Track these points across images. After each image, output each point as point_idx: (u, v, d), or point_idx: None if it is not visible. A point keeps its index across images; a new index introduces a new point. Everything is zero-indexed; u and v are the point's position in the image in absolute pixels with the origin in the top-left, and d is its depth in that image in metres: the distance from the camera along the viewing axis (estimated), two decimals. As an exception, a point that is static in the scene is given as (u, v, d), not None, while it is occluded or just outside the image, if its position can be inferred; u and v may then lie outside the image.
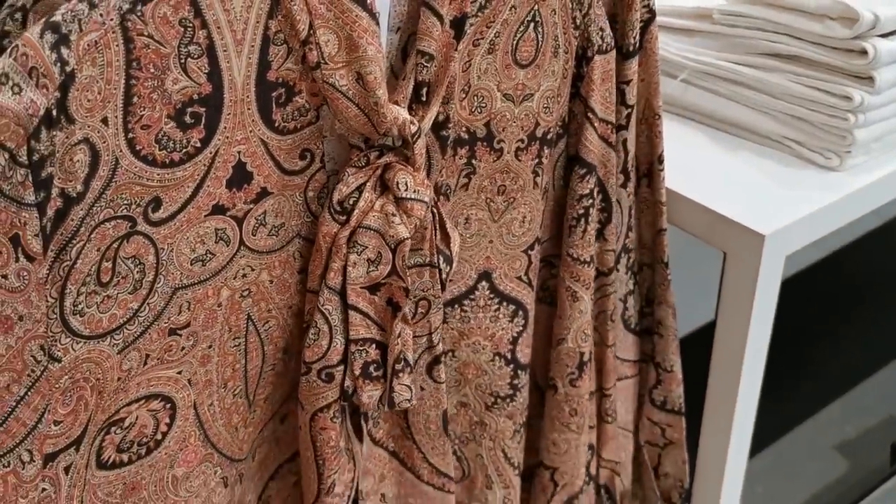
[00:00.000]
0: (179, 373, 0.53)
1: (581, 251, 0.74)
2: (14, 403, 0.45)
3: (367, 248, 0.56)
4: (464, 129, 0.63)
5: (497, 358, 0.74)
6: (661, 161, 0.77)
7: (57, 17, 0.40)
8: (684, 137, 0.96)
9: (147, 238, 0.48)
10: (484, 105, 0.64)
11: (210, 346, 0.54)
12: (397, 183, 0.55)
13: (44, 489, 0.48)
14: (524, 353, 0.75)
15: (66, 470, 0.50)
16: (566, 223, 0.74)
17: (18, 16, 0.47)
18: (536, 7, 0.63)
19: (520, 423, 0.76)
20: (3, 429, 0.45)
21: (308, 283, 0.57)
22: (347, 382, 0.57)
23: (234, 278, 0.54)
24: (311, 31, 0.49)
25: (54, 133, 0.41)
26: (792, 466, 1.40)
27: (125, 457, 0.53)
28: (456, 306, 0.71)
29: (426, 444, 0.69)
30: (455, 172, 0.65)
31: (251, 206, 0.53)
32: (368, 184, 0.56)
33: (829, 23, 0.84)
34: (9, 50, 0.39)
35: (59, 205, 0.43)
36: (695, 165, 0.90)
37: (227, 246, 0.53)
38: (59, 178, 0.43)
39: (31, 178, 0.41)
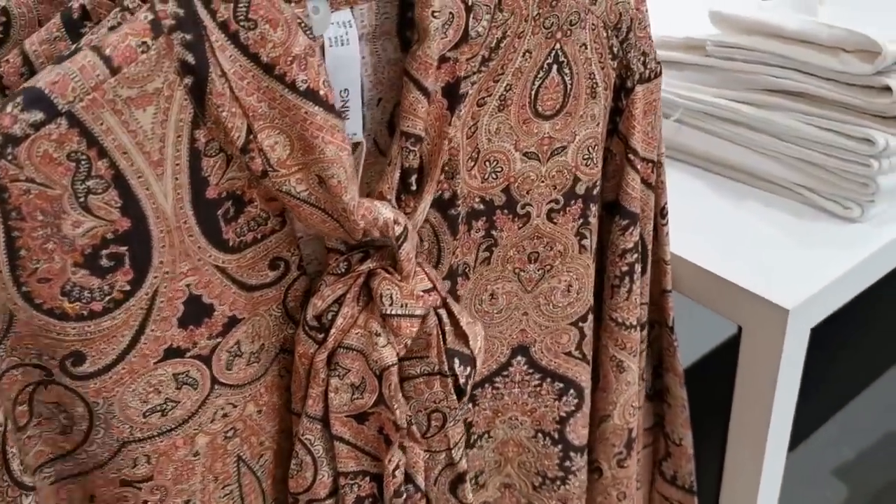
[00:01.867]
0: (146, 531, 0.44)
1: (627, 314, 0.60)
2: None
3: (349, 371, 0.45)
4: (477, 199, 0.51)
5: (540, 435, 0.62)
6: (664, 214, 0.62)
7: None
8: (681, 184, 0.79)
9: (71, 391, 0.39)
10: (500, 170, 0.51)
11: (188, 501, 0.45)
12: (381, 296, 0.44)
13: None
14: (578, 434, 0.62)
15: None
16: (607, 282, 0.60)
17: None
18: (558, 46, 0.49)
19: (577, 506, 0.65)
20: None
21: (292, 404, 0.47)
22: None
23: (213, 421, 0.44)
24: (251, 137, 0.38)
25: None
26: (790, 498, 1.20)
27: None
28: (486, 386, 0.59)
29: None
30: (473, 248, 0.53)
31: (218, 340, 0.43)
32: (349, 295, 0.45)
33: (846, 56, 0.67)
34: None
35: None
36: (695, 218, 0.74)
37: (195, 390, 0.43)
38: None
39: None
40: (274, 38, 0.37)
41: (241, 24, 0.36)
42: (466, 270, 0.53)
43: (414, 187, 0.45)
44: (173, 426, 0.43)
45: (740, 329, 0.66)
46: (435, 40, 0.42)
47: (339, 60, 0.42)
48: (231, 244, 0.41)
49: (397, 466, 0.46)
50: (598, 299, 0.63)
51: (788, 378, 0.66)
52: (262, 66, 0.37)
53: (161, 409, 0.42)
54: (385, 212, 0.43)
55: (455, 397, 0.49)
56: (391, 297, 0.44)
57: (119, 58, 0.34)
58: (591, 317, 0.60)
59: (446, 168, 0.48)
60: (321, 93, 0.39)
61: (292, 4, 0.37)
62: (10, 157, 0.33)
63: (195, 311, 0.41)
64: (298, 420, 0.46)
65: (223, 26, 0.36)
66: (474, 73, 0.47)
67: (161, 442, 0.42)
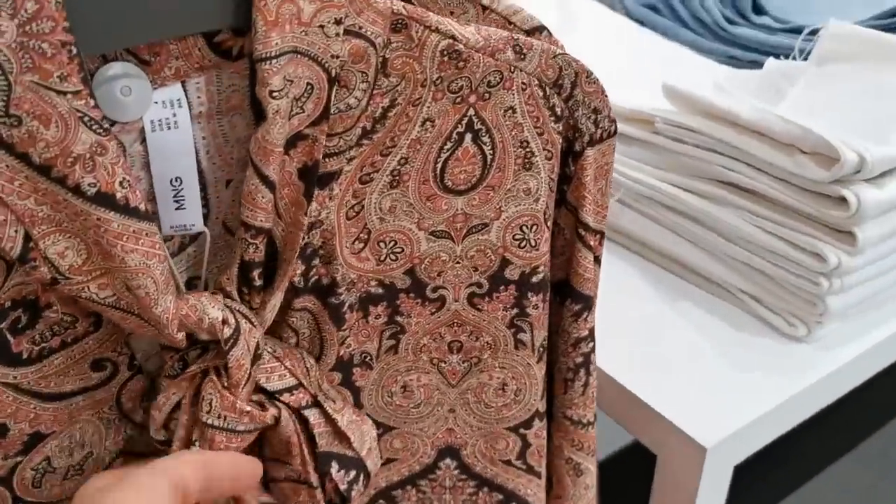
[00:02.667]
0: None
1: (583, 411, 0.54)
2: None
3: None
4: (374, 282, 0.45)
5: (477, 541, 0.56)
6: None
7: None
8: (614, 271, 0.72)
9: None
10: (399, 251, 0.45)
11: None
12: (203, 400, 0.39)
13: None
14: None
15: None
16: (558, 375, 0.54)
17: None
18: (472, 112, 0.42)
19: None
20: None
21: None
22: None
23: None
24: (31, 244, 0.33)
25: None
26: None
27: None
28: (409, 487, 0.54)
29: None
30: (373, 336, 0.47)
31: (18, 459, 0.38)
32: (185, 400, 0.40)
33: (801, 158, 0.58)
34: None
35: None
36: (623, 318, 0.67)
37: (-8, 507, 0.39)
38: None
39: None
40: (46, 136, 0.31)
41: (2, 120, 0.30)
42: (367, 360, 0.47)
43: (258, 282, 0.39)
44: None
45: (655, 458, 0.59)
46: (276, 124, 0.35)
47: (167, 146, 0.36)
48: (27, 355, 0.36)
49: None
50: (549, 393, 0.56)
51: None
52: (34, 168, 0.32)
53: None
54: (213, 311, 0.38)
55: (329, 507, 0.44)
56: (210, 405, 0.39)
57: None
58: (538, 423, 0.53)
59: (321, 253, 0.42)
60: (117, 196, 0.33)
61: (69, 97, 0.31)
62: None
63: (-18, 431, 0.37)
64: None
65: (-23, 119, 0.30)
66: (351, 148, 0.40)
67: (-47, 566, 0.39)
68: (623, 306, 0.68)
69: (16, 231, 0.33)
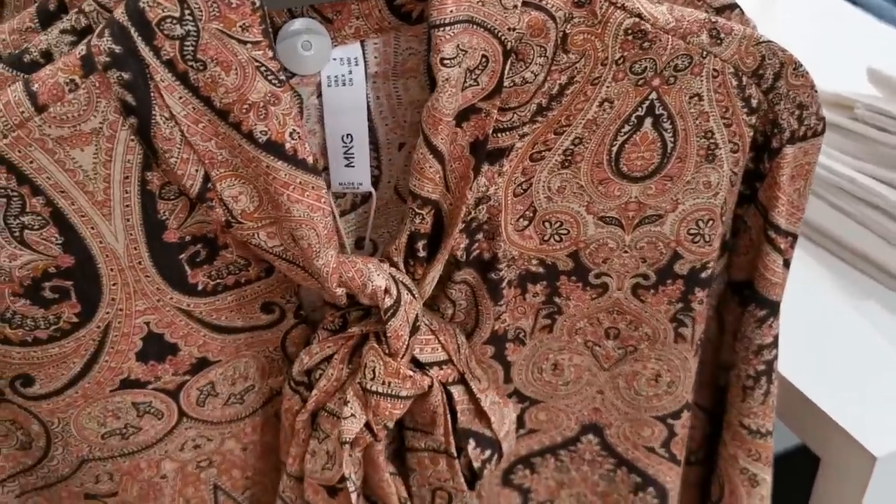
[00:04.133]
0: (112, 541, 0.45)
1: (762, 420, 0.50)
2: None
3: (329, 437, 0.41)
4: (535, 261, 0.44)
5: (613, 528, 0.55)
6: None
7: None
8: (798, 265, 0.64)
9: (24, 409, 0.40)
10: (564, 232, 0.43)
11: (159, 518, 0.46)
12: (365, 367, 0.40)
13: None
14: (655, 538, 0.54)
15: None
16: (736, 381, 0.50)
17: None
18: (655, 96, 0.40)
19: None
20: None
21: (281, 455, 0.45)
22: None
23: (182, 450, 0.44)
24: (209, 185, 0.35)
25: None
26: None
27: None
28: (548, 455, 0.53)
29: None
30: (529, 313, 0.46)
31: (186, 377, 0.41)
32: (337, 356, 0.41)
33: None
34: None
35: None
36: (802, 315, 0.60)
37: (160, 420, 0.42)
38: None
39: None
40: (226, 81, 0.33)
41: (190, 63, 0.32)
42: (521, 336, 0.47)
43: (422, 253, 0.39)
44: (136, 450, 0.43)
45: (819, 461, 0.54)
46: (446, 92, 0.35)
47: (341, 102, 0.37)
48: (201, 288, 0.39)
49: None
50: (721, 390, 0.53)
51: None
52: (215, 111, 0.34)
53: (121, 432, 0.42)
54: (377, 279, 0.38)
55: (462, 481, 0.44)
56: (374, 371, 0.40)
57: (45, 95, 0.32)
58: (686, 414, 0.50)
59: (484, 228, 0.41)
60: (286, 146, 0.34)
61: (249, 46, 0.32)
62: (-72, 190, 0.33)
63: (156, 349, 0.40)
64: (281, 474, 0.44)
65: (170, 65, 0.33)
66: (525, 124, 0.39)
67: (123, 462, 0.43)
68: (801, 301, 0.63)
69: (196, 170, 0.35)
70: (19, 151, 0.33)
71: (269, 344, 0.43)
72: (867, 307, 0.62)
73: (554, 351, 0.48)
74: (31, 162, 0.33)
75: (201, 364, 0.41)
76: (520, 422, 0.51)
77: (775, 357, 0.49)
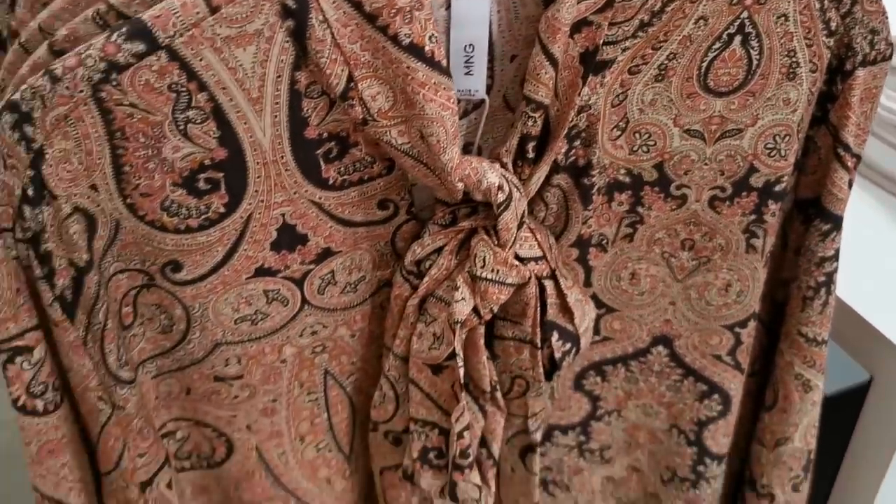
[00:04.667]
0: (234, 416, 0.50)
1: (819, 329, 0.55)
2: (96, 437, 0.46)
3: (435, 320, 0.46)
4: (622, 171, 0.48)
5: (675, 431, 0.60)
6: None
7: (15, 96, 0.36)
8: (855, 202, 0.68)
9: (170, 294, 0.44)
10: (652, 143, 0.47)
11: (275, 400, 0.50)
12: (475, 256, 0.44)
13: None
14: (718, 442, 0.59)
15: (170, 485, 0.50)
16: (797, 292, 0.54)
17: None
18: (746, 15, 0.44)
19: (705, 512, 0.62)
20: (98, 453, 0.46)
21: (385, 338, 0.49)
22: (406, 461, 0.50)
23: (301, 336, 0.49)
24: (351, 84, 0.39)
25: (39, 210, 0.38)
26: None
27: (186, 464, 0.52)
28: (619, 365, 0.57)
29: None
30: (613, 221, 0.50)
31: (311, 266, 0.46)
32: (448, 248, 0.45)
33: None
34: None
35: (73, 274, 0.41)
36: (854, 242, 0.64)
37: (285, 306, 0.47)
38: (61, 250, 0.40)
39: (32, 253, 0.39)
40: (378, -11, 0.37)
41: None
42: (603, 242, 0.51)
43: (531, 154, 0.44)
44: (262, 335, 0.47)
45: (872, 379, 0.58)
46: (566, 3, 0.39)
47: (467, 13, 0.41)
48: (332, 182, 0.43)
49: (467, 427, 0.48)
50: (778, 306, 0.57)
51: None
52: (365, 16, 0.38)
53: (251, 318, 0.46)
54: (491, 176, 0.42)
55: (541, 370, 0.48)
56: (484, 260, 0.44)
57: (219, -2, 0.36)
58: (752, 323, 0.55)
59: (582, 135, 0.46)
60: (426, 48, 0.38)
61: (400, -43, 0.36)
62: (114, 83, 0.37)
63: (289, 239, 0.44)
64: (387, 355, 0.49)
65: (335, -27, 0.36)
66: (627, 39, 0.43)
67: (251, 347, 0.47)
68: (856, 232, 0.67)
69: (342, 70, 0.39)
70: (192, 49, 0.37)
71: (381, 238, 0.47)
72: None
73: (633, 260, 0.53)
74: (201, 60, 0.37)
75: (325, 254, 0.46)
76: (595, 328, 0.56)
77: (835, 270, 0.53)
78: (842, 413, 0.65)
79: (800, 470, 0.60)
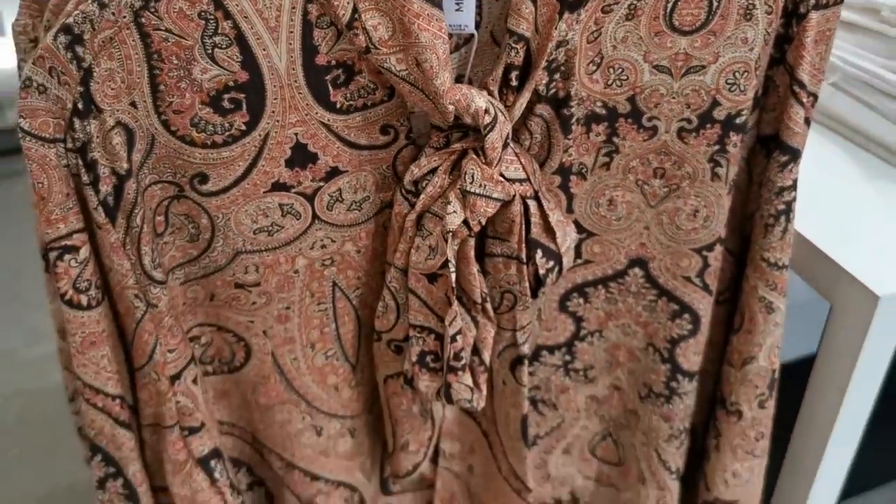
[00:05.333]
0: (251, 322, 0.56)
1: (780, 254, 0.60)
2: (132, 333, 0.52)
3: (431, 234, 0.52)
4: (599, 104, 0.54)
5: (651, 349, 0.65)
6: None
7: (69, 20, 0.42)
8: (820, 151, 0.74)
9: (197, 204, 0.50)
10: (625, 78, 0.53)
11: (288, 308, 0.56)
12: (465, 173, 0.50)
13: (178, 402, 0.55)
14: (689, 360, 0.64)
15: (195, 381, 0.56)
16: (759, 220, 0.60)
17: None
18: (706, -41, 0.49)
19: (679, 429, 0.67)
20: (133, 348, 0.52)
21: (387, 255, 0.55)
22: (406, 366, 0.56)
23: (312, 249, 0.55)
24: (356, 15, 0.45)
25: (87, 122, 0.45)
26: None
27: (209, 368, 0.59)
28: (600, 287, 0.63)
29: (505, 441, 0.64)
30: (591, 150, 0.56)
31: (321, 183, 0.52)
32: (441, 168, 0.51)
33: None
34: (29, 58, 0.43)
35: (114, 181, 0.47)
36: (820, 188, 0.70)
37: (298, 220, 0.53)
38: (105, 159, 0.46)
39: (80, 161, 0.46)
40: (378, -70, 0.43)
41: (351, -85, 0.42)
42: (583, 171, 0.57)
43: (514, 83, 0.49)
44: (277, 245, 0.53)
45: (831, 308, 0.63)
46: (543, -55, 0.45)
47: (457, -46, 0.46)
48: (339, 106, 0.49)
49: (459, 332, 0.53)
50: (746, 238, 0.63)
51: (871, 367, 0.62)
52: (367, -45, 0.43)
53: (268, 230, 0.52)
54: (479, 101, 0.48)
55: (527, 285, 0.54)
56: (472, 176, 0.50)
57: (242, -63, 0.42)
58: (718, 247, 0.61)
59: (562, 69, 0.51)
60: (420, -16, 0.44)
61: None
62: (152, 10, 0.43)
63: (301, 157, 0.50)
64: (389, 269, 0.55)
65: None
66: (599, -20, 0.49)
67: (267, 256, 0.54)
68: (824, 183, 0.72)
69: (348, 3, 0.45)
70: (219, -19, 0.43)
71: (383, 162, 0.53)
72: (876, 181, 0.72)
73: (610, 187, 0.58)
74: (226, -10, 0.44)
75: (333, 172, 0.52)
76: (577, 252, 0.62)
77: (794, 199, 0.59)
78: (794, 382, 0.71)
79: (765, 388, 0.65)
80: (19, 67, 0.54)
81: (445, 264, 0.52)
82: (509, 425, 0.63)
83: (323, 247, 0.55)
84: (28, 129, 0.44)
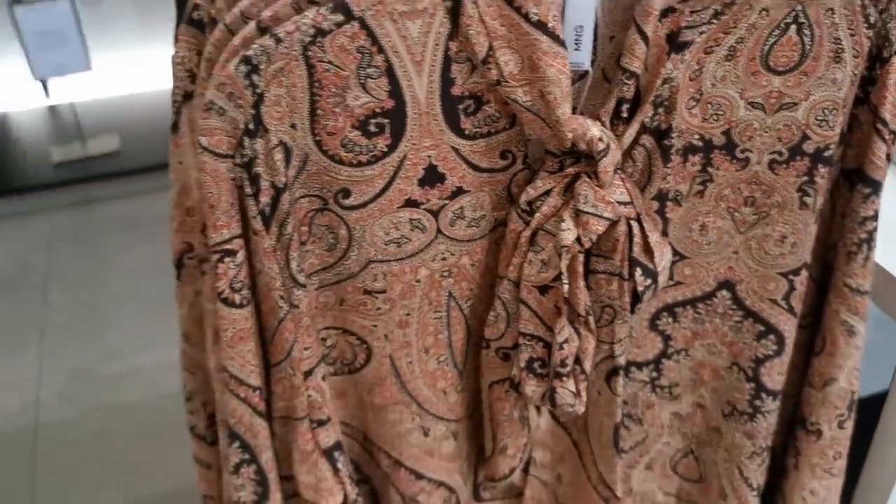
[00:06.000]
0: (375, 326, 0.62)
1: (861, 280, 0.64)
2: (273, 331, 0.58)
3: (543, 249, 0.57)
4: (696, 136, 0.59)
5: (735, 368, 0.69)
6: None
7: (249, 53, 0.49)
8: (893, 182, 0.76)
9: (338, 217, 0.56)
10: (721, 113, 0.58)
11: (408, 314, 0.62)
12: (579, 194, 0.55)
13: (310, 395, 0.61)
14: (773, 379, 0.68)
15: (324, 378, 0.62)
16: (842, 248, 0.64)
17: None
18: (800, 8, 0.55)
19: (761, 447, 0.71)
20: (273, 345, 0.58)
21: (499, 269, 0.61)
22: (514, 371, 0.61)
23: (433, 260, 0.60)
24: (490, 52, 0.51)
25: (254, 141, 0.51)
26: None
27: (331, 369, 0.64)
28: (688, 307, 0.68)
29: (597, 449, 0.69)
30: (686, 179, 0.61)
31: (446, 201, 0.58)
32: (555, 190, 0.57)
33: None
34: (212, 84, 0.50)
35: (272, 193, 0.54)
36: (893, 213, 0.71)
37: (424, 233, 0.59)
38: (267, 174, 0.53)
39: (245, 175, 0.52)
40: (516, -21, 0.49)
41: (493, -34, 0.49)
42: (678, 197, 0.62)
43: (625, 115, 0.55)
44: (404, 256, 0.59)
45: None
46: (658, -7, 0.51)
47: (578, 2, 0.53)
48: (467, 133, 0.55)
49: (567, 341, 0.59)
50: (828, 266, 0.67)
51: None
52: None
53: (397, 241, 0.58)
54: (593, 130, 0.54)
55: (628, 299, 0.59)
56: (586, 197, 0.55)
57: (400, -17, 0.49)
58: (804, 273, 0.65)
59: (665, 103, 0.57)
60: (549, 25, 0.50)
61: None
62: (319, 44, 0.49)
63: (431, 177, 0.56)
64: (501, 281, 0.60)
65: (479, -34, 0.49)
66: (704, 24, 0.54)
67: (395, 266, 0.59)
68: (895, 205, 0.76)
69: (485, 41, 0.51)
70: (376, 21, 0.50)
71: (500, 184, 0.59)
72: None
73: (702, 214, 0.63)
74: (382, 29, 0.50)
75: (457, 192, 0.58)
76: (670, 274, 0.66)
77: (875, 229, 0.63)
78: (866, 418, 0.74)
79: (844, 409, 0.69)
80: (173, 94, 0.61)
81: (557, 277, 0.57)
82: (602, 434, 0.68)
83: (443, 259, 0.61)
84: (206, 146, 0.51)
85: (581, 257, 0.58)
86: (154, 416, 1.78)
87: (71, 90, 2.48)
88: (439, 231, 0.59)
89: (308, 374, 0.60)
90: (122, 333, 1.98)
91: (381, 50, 0.51)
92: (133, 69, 2.58)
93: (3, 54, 2.44)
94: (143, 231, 2.31)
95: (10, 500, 1.60)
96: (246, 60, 0.49)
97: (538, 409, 0.71)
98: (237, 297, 0.55)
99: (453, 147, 0.56)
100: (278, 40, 0.49)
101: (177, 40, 0.61)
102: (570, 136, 0.54)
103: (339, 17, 0.49)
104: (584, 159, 0.57)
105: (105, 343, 1.96)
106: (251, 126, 0.51)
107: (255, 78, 0.50)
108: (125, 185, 2.39)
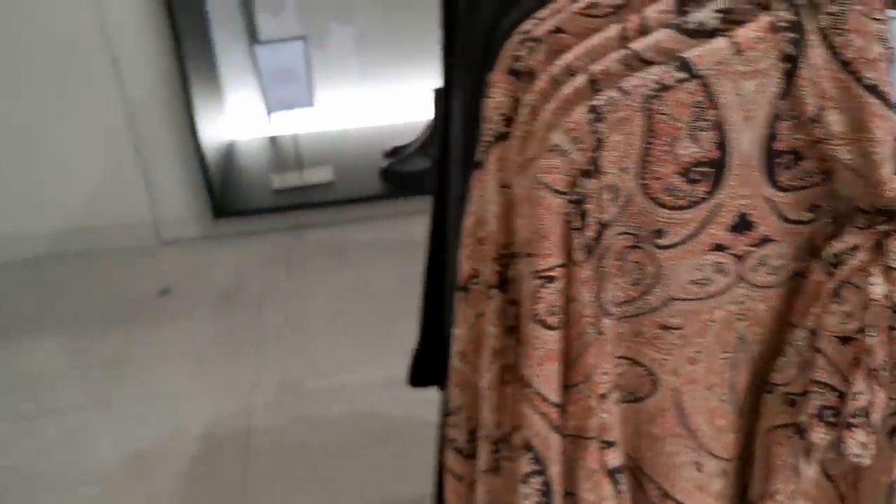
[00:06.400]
0: (666, 360, 0.65)
1: None
2: (577, 355, 0.63)
3: (847, 302, 0.59)
4: None
5: None
6: None
7: (598, 103, 0.55)
8: None
9: (649, 255, 0.61)
10: None
11: (699, 352, 0.65)
12: (891, 252, 0.57)
13: (602, 417, 0.66)
14: None
15: (614, 402, 0.67)
16: None
17: (530, 44, 0.62)
18: None
19: None
20: (575, 367, 0.64)
21: (791, 316, 0.63)
22: (803, 418, 0.62)
23: (731, 303, 0.64)
24: (820, 112, 0.55)
25: (589, 181, 0.57)
26: None
27: (618, 395, 0.68)
28: None
29: None
30: None
31: (752, 248, 0.61)
32: (864, 245, 0.59)
33: None
34: (559, 128, 0.56)
35: (597, 229, 0.59)
36: None
37: (726, 277, 0.62)
38: (595, 211, 0.58)
39: (576, 211, 0.58)
40: (856, 44, 0.52)
41: (835, 31, 0.52)
42: None
43: (947, 177, 0.56)
44: (704, 297, 0.63)
45: None
46: None
47: (908, 66, 0.55)
48: (782, 185, 0.58)
49: (861, 392, 0.60)
50: None
51: None
52: (840, 63, 0.53)
53: (700, 282, 0.62)
54: (912, 189, 0.56)
55: (930, 358, 0.60)
56: None
57: (744, 44, 0.53)
58: None
59: None
60: (884, 90, 0.53)
61: (874, 21, 0.52)
62: (660, 98, 0.55)
63: (741, 225, 0.60)
64: (793, 329, 0.63)
65: (820, 32, 0.52)
66: None
67: (694, 305, 0.63)
68: None
69: (815, 102, 0.54)
70: (715, 79, 0.54)
71: (801, 236, 0.61)
72: None
73: None
74: (719, 86, 0.55)
75: (764, 240, 0.61)
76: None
77: None
78: None
79: None
80: (483, 134, 0.69)
81: (861, 330, 0.59)
82: (875, 490, 0.68)
83: (740, 303, 0.64)
84: (545, 182, 0.57)
85: (888, 313, 0.59)
86: (354, 431, 1.89)
87: (291, 123, 2.69)
88: (741, 276, 0.62)
89: (603, 397, 0.64)
90: (328, 350, 2.11)
91: (715, 105, 0.55)
92: (350, 106, 2.77)
93: (235, 88, 2.70)
94: (349, 256, 2.47)
95: (224, 492, 1.75)
96: (593, 109, 0.55)
97: (807, 457, 0.71)
98: (553, 320, 0.61)
99: (767, 198, 0.59)
100: (624, 93, 0.55)
101: (491, 86, 0.68)
102: (891, 194, 0.56)
103: (683, 75, 0.54)
104: (894, 217, 0.59)
105: (313, 359, 2.10)
106: (589, 168, 0.57)
107: (599, 125, 0.56)
108: (336, 214, 2.57)
